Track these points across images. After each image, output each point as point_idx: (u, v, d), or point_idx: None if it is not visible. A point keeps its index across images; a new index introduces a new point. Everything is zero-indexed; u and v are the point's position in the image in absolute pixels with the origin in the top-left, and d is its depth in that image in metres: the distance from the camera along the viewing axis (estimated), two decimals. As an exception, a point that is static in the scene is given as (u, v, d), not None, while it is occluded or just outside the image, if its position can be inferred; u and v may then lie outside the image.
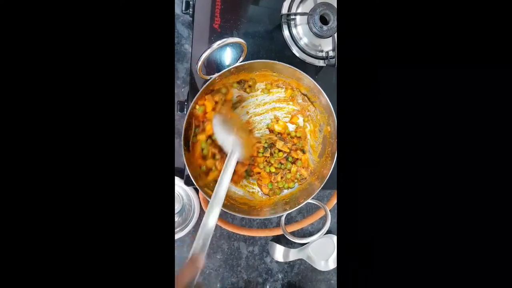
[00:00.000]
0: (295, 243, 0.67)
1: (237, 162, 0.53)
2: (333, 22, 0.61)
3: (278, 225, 0.67)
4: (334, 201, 0.65)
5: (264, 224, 0.68)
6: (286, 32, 0.63)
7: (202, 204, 0.63)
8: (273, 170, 0.59)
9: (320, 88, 0.54)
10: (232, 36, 0.63)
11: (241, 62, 0.53)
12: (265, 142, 0.59)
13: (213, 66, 0.62)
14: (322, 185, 0.53)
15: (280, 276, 0.69)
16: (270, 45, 0.64)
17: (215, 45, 0.49)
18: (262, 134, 0.61)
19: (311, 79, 0.54)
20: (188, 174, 0.53)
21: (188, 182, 0.62)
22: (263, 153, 0.58)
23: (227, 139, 0.54)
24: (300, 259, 0.67)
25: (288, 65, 0.54)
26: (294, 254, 0.66)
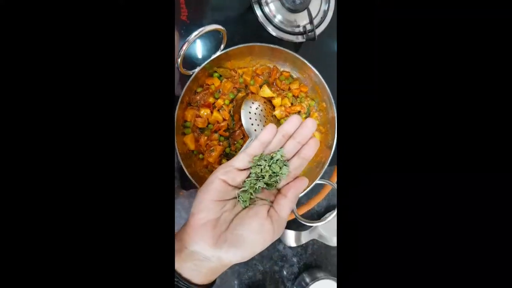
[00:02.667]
0: (306, 225, 0.66)
1: None
2: (305, -6, 0.59)
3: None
4: (335, 176, 0.65)
5: (271, 213, 0.66)
6: (259, 12, 0.60)
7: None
8: None
9: (305, 61, 0.52)
10: (202, 25, 0.59)
11: (222, 50, 0.50)
12: None
13: (190, 59, 0.59)
14: (325, 167, 0.52)
15: (295, 260, 0.68)
16: (244, 29, 0.61)
17: (192, 36, 0.45)
18: None
19: (293, 53, 0.52)
20: (185, 177, 0.50)
21: (184, 186, 0.60)
22: None
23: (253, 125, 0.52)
24: (312, 239, 0.67)
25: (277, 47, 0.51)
26: (305, 236, 0.66)
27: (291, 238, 0.65)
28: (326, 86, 0.52)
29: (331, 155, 0.53)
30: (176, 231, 0.35)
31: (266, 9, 0.60)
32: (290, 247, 0.67)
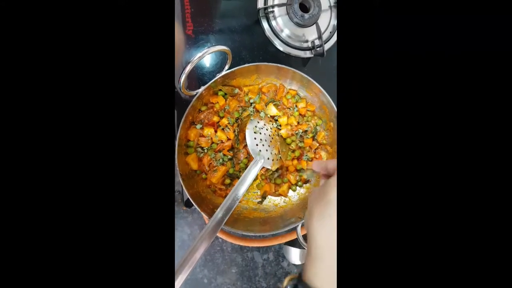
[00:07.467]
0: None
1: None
2: (314, 9, 0.57)
3: (288, 230, 0.64)
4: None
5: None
6: (266, 26, 0.59)
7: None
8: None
9: (312, 80, 0.50)
10: (208, 40, 0.58)
11: (227, 70, 0.48)
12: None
13: (194, 76, 0.57)
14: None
15: (299, 277, 0.67)
16: (251, 43, 0.59)
17: (196, 58, 0.44)
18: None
19: (300, 72, 0.50)
20: (188, 197, 0.50)
21: (187, 204, 0.59)
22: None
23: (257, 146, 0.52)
24: (317, 257, 0.66)
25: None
26: (310, 254, 0.64)
27: (295, 255, 0.64)
28: (334, 106, 0.50)
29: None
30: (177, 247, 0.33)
31: (274, 23, 0.59)
32: (295, 264, 0.66)
